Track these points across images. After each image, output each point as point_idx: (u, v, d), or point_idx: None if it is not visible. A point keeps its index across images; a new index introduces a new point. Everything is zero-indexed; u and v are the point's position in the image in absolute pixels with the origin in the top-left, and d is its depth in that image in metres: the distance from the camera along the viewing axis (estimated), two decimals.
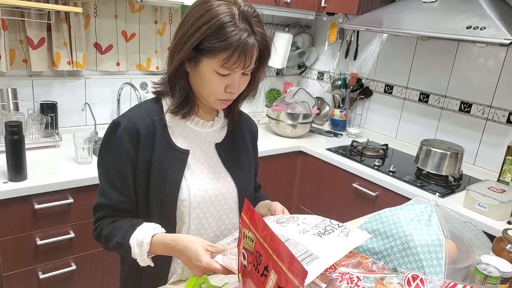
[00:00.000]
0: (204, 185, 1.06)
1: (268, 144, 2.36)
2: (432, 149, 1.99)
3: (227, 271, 0.83)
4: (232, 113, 1.14)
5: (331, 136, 2.63)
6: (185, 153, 1.05)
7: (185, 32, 0.94)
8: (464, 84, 2.27)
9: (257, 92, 1.10)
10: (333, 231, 0.84)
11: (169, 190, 1.01)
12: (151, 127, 1.02)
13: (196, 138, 1.08)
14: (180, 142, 1.05)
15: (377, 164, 2.13)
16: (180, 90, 1.01)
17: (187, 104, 1.03)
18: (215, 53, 0.91)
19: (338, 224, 0.88)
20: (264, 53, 0.97)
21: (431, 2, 2.00)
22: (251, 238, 0.68)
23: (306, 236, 0.80)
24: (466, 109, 2.28)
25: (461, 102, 2.29)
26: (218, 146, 1.11)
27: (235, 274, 0.78)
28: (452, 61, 2.31)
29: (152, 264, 0.97)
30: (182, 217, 1.04)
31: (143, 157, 1.01)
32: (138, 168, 1.01)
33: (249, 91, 1.08)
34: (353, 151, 2.34)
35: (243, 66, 0.94)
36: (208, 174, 1.08)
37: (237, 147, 1.15)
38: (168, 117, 1.05)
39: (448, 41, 2.26)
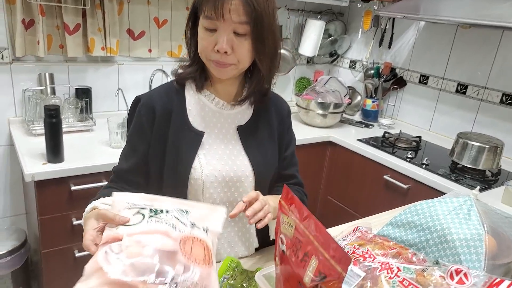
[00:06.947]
0: (218, 165, 1.05)
1: (297, 133, 2.27)
2: (470, 142, 1.92)
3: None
4: (254, 91, 1.06)
5: (362, 127, 2.58)
6: (200, 134, 1.04)
7: None
8: (508, 75, 2.17)
9: (278, 66, 1.04)
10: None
11: (181, 168, 1.02)
12: (169, 106, 1.04)
13: (215, 119, 1.07)
14: (197, 122, 1.05)
15: (409, 156, 2.07)
16: (192, 55, 1.04)
17: (198, 68, 1.04)
18: (201, 7, 0.93)
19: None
20: (256, 11, 0.89)
21: None
22: (290, 224, 0.67)
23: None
24: (508, 101, 2.18)
25: (503, 94, 2.19)
26: (240, 129, 1.09)
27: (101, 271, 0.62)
28: (495, 51, 2.21)
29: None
30: (196, 196, 1.04)
31: (159, 135, 1.03)
32: (154, 145, 1.03)
33: (262, 62, 0.98)
34: (385, 143, 2.29)
35: (221, 16, 0.89)
36: (223, 155, 1.06)
37: (261, 132, 1.12)
38: (188, 96, 1.06)
39: (491, 29, 2.15)
